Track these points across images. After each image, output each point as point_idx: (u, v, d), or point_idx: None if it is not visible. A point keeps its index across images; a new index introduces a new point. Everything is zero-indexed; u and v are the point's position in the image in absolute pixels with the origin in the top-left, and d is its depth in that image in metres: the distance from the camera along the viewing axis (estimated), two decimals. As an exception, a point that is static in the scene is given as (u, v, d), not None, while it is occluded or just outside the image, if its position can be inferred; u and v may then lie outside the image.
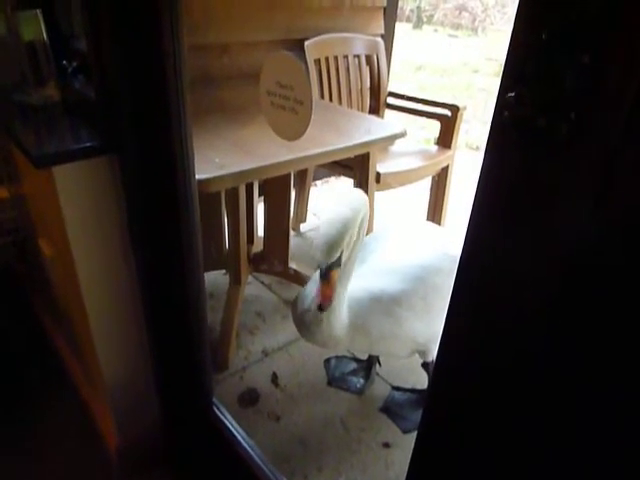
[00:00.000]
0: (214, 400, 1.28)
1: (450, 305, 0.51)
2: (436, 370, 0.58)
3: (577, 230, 0.35)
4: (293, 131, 0.77)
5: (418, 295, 1.25)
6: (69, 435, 1.49)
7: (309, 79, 0.69)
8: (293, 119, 0.74)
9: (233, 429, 1.20)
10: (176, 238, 1.01)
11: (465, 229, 0.45)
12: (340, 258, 1.03)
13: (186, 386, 1.30)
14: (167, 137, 0.90)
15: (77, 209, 0.97)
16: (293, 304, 1.22)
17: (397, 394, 1.66)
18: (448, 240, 1.44)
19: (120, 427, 1.34)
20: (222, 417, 1.24)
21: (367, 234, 1.21)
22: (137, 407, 1.33)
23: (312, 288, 1.14)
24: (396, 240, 1.37)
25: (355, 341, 1.24)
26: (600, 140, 0.33)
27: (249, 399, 1.63)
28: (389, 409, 1.61)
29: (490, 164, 0.39)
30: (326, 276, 1.03)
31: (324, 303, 1.04)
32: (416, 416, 1.56)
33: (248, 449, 1.17)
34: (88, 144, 0.92)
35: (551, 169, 0.34)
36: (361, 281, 1.23)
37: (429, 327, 1.28)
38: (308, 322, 1.15)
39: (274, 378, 1.70)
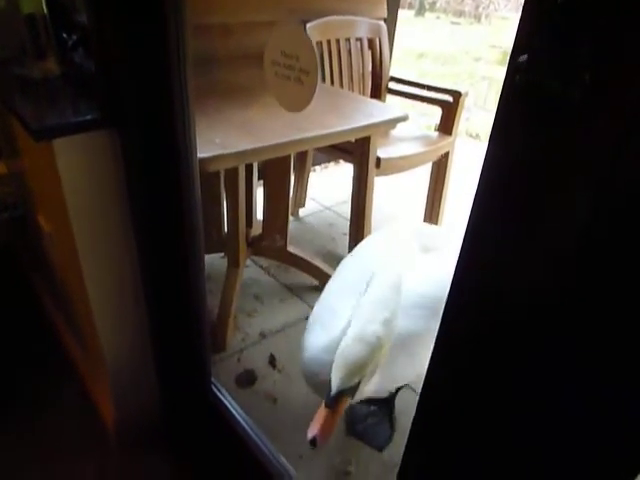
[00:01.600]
0: (212, 380, 1.28)
1: (451, 290, 0.51)
2: (433, 363, 0.58)
3: (592, 197, 0.34)
4: (298, 101, 0.76)
5: (433, 329, 1.13)
6: (68, 414, 1.50)
7: (314, 48, 0.68)
8: (298, 89, 0.73)
9: (232, 408, 1.21)
10: (177, 215, 1.01)
11: (471, 201, 0.45)
12: (359, 384, 0.87)
13: (185, 365, 1.31)
14: (169, 112, 0.89)
15: (77, 184, 0.97)
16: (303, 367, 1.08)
17: (355, 410, 1.51)
18: (446, 244, 1.34)
19: (119, 406, 1.34)
20: (221, 396, 1.25)
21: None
22: (136, 386, 1.33)
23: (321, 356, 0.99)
24: (394, 259, 1.16)
25: (380, 390, 1.11)
26: (616, 104, 0.32)
27: (247, 380, 1.64)
28: (355, 429, 1.47)
29: (500, 131, 0.39)
30: (334, 403, 0.85)
31: (320, 438, 0.84)
32: (385, 428, 1.47)
33: (246, 428, 1.18)
34: (88, 117, 0.91)
35: (564, 135, 0.34)
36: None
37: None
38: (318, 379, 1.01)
39: (272, 360, 1.71)
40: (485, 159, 0.41)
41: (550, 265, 0.40)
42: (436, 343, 0.56)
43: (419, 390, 0.63)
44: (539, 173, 0.38)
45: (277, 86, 0.80)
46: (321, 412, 0.85)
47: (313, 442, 0.84)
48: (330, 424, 0.84)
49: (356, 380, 0.85)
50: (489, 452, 0.55)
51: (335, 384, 0.85)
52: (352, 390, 0.87)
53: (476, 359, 0.52)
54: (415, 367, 1.10)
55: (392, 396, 1.51)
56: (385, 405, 1.52)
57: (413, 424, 0.64)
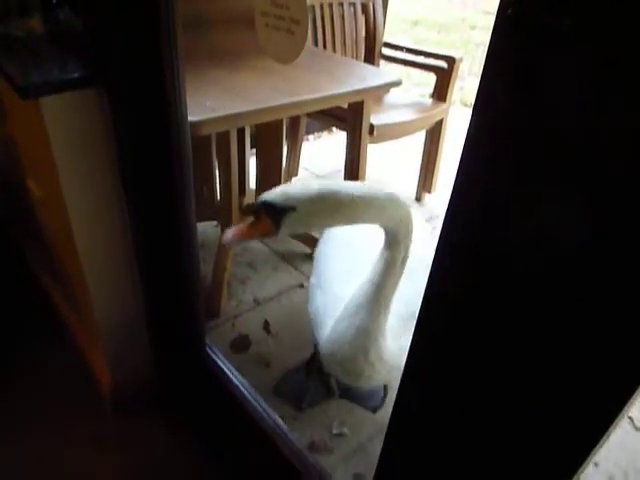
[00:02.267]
0: (207, 342, 1.29)
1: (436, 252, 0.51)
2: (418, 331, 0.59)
3: (580, 130, 0.34)
4: (289, 52, 0.75)
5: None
6: (64, 380, 1.51)
7: (305, -4, 0.66)
8: (289, 40, 0.72)
9: (226, 370, 1.23)
10: (168, 176, 1.00)
11: (462, 144, 0.45)
12: (287, 212, 0.83)
13: (179, 328, 1.32)
14: (158, 71, 0.87)
15: (66, 144, 0.95)
16: (320, 353, 1.09)
17: None
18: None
19: (114, 371, 1.36)
20: (215, 358, 1.26)
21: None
22: (131, 351, 1.34)
23: (343, 328, 1.01)
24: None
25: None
26: (601, 37, 0.32)
27: (241, 345, 1.66)
28: (349, 393, 1.50)
29: (492, 67, 0.38)
30: (256, 210, 0.85)
31: (229, 240, 0.88)
32: (378, 391, 1.49)
33: (242, 389, 1.19)
34: (76, 75, 0.89)
35: (553, 67, 0.34)
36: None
37: None
38: (359, 370, 1.02)
39: (266, 325, 1.73)
40: (476, 98, 0.41)
41: (538, 228, 0.41)
42: (421, 305, 0.56)
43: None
44: (529, 110, 0.38)
45: (268, 37, 0.78)
46: (244, 222, 0.87)
47: (225, 235, 0.88)
48: (244, 232, 0.86)
49: (287, 203, 0.82)
50: (473, 417, 0.56)
51: (266, 195, 0.84)
52: (278, 211, 0.83)
53: (459, 322, 0.53)
54: None
55: None
56: None
57: (399, 387, 0.65)
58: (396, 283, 0.98)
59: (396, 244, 0.93)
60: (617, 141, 0.33)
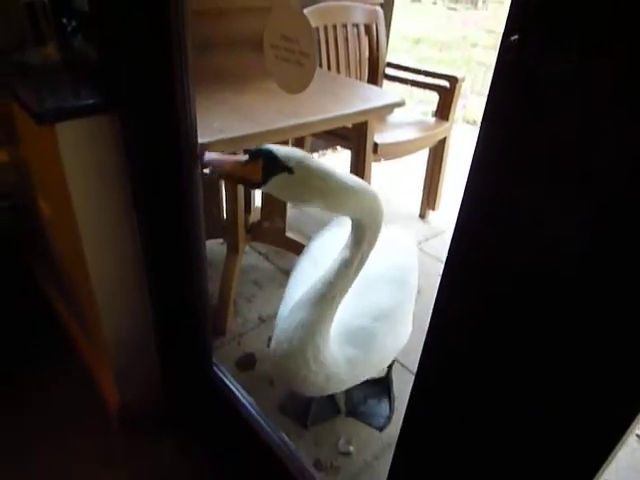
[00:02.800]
0: (214, 361, 1.31)
1: (447, 267, 0.53)
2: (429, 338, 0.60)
3: (579, 176, 0.36)
4: (298, 83, 0.78)
5: (407, 302, 1.19)
6: (71, 397, 1.52)
7: (313, 31, 0.69)
8: (298, 71, 0.74)
9: (233, 388, 1.24)
10: (179, 199, 1.02)
11: (467, 174, 0.47)
12: (282, 170, 0.82)
13: (187, 346, 1.33)
14: (170, 96, 0.90)
15: (79, 168, 0.98)
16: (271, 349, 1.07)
17: (355, 392, 1.51)
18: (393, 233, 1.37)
19: (121, 388, 1.37)
20: (223, 377, 1.27)
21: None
22: (138, 368, 1.36)
23: (287, 323, 1.00)
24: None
25: (358, 375, 1.11)
26: (601, 84, 0.34)
27: (247, 363, 1.67)
28: (355, 411, 1.49)
29: (492, 111, 0.40)
30: (255, 158, 0.83)
31: (213, 163, 0.87)
32: (384, 409, 1.50)
33: (248, 407, 1.20)
34: (90, 101, 0.92)
35: (553, 114, 0.36)
36: (345, 307, 1.04)
37: (409, 326, 1.23)
38: (293, 367, 0.99)
39: (270, 343, 1.73)
40: (478, 139, 0.43)
41: (542, 246, 0.42)
42: (430, 322, 0.58)
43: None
44: (529, 152, 0.40)
45: (277, 69, 0.81)
46: (235, 160, 0.85)
47: (205, 168, 0.88)
48: (231, 163, 0.86)
49: (289, 163, 0.82)
50: (483, 434, 0.57)
51: (271, 145, 0.84)
52: (275, 165, 0.82)
53: (470, 337, 0.54)
54: (396, 341, 1.15)
55: (386, 374, 1.54)
56: (382, 385, 1.55)
57: (408, 405, 0.66)
58: (347, 285, 0.97)
59: (358, 244, 0.94)
60: (618, 163, 0.35)
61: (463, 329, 0.54)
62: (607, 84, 0.34)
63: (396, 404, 1.51)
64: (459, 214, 0.48)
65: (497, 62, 0.39)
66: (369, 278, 1.08)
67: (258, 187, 0.86)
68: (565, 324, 0.43)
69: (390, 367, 1.51)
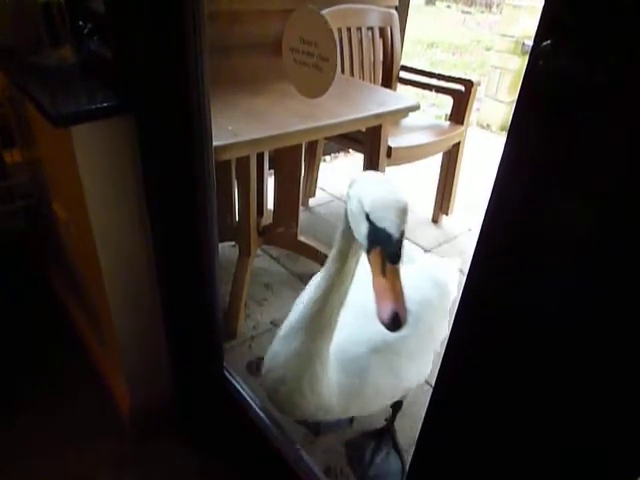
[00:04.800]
0: (225, 365, 1.30)
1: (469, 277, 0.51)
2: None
3: (613, 182, 0.35)
4: (316, 88, 0.76)
5: (416, 337, 1.07)
6: (83, 400, 1.52)
7: (334, 35, 0.67)
8: (317, 76, 0.73)
9: (244, 393, 1.23)
10: (192, 202, 1.02)
11: (491, 189, 0.45)
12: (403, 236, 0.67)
13: (198, 350, 1.33)
14: (186, 99, 0.90)
15: (94, 171, 0.98)
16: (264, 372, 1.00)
17: (360, 452, 1.40)
18: (422, 256, 1.29)
19: (133, 392, 1.36)
20: (233, 381, 1.26)
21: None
22: (150, 371, 1.35)
23: (282, 347, 0.93)
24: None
25: (350, 406, 1.02)
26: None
27: (257, 367, 1.65)
28: (365, 475, 1.37)
29: (522, 119, 0.39)
30: (393, 260, 0.66)
31: (401, 310, 0.65)
32: (394, 464, 1.38)
33: (259, 412, 1.19)
34: (105, 104, 0.92)
35: (592, 119, 0.34)
36: (346, 329, 0.98)
37: (420, 368, 1.12)
38: (287, 393, 0.93)
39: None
40: (504, 151, 0.41)
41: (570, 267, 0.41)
42: (448, 341, 0.56)
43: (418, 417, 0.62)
44: (564, 161, 0.38)
45: (296, 72, 0.80)
46: (383, 283, 0.65)
47: (396, 320, 0.64)
48: (399, 289, 0.65)
49: (404, 226, 0.67)
50: (495, 457, 0.55)
51: (395, 226, 0.66)
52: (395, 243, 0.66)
53: (485, 362, 0.52)
54: (396, 379, 1.05)
55: (389, 423, 1.44)
56: (385, 436, 1.44)
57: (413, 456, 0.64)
58: (339, 301, 0.87)
59: (351, 257, 0.84)
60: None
61: (479, 357, 0.52)
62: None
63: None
64: (481, 231, 0.47)
65: (527, 68, 0.37)
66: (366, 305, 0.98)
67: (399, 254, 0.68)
68: (591, 345, 0.41)
69: (394, 415, 1.41)
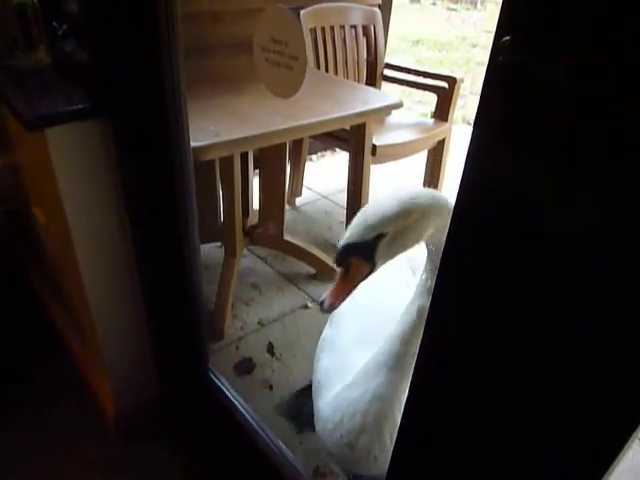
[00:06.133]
0: (210, 366, 1.29)
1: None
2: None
3: (575, 183, 0.35)
4: (287, 88, 0.76)
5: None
6: (67, 404, 1.51)
7: (303, 34, 0.67)
8: (288, 75, 0.73)
9: (229, 394, 1.22)
10: (171, 204, 1.01)
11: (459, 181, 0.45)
12: (378, 240, 0.72)
13: (182, 353, 1.32)
14: (161, 100, 0.89)
15: (70, 173, 0.97)
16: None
17: None
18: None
19: (117, 395, 1.35)
20: (218, 383, 1.26)
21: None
22: (134, 375, 1.34)
23: (358, 391, 0.84)
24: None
25: None
26: (599, 84, 0.33)
27: (245, 368, 1.65)
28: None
29: (485, 113, 0.39)
30: (340, 259, 0.74)
31: (331, 302, 0.77)
32: None
33: (245, 414, 1.19)
34: (80, 106, 0.91)
35: (547, 116, 0.34)
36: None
37: None
38: (366, 445, 0.83)
39: (270, 348, 1.72)
40: (470, 143, 0.41)
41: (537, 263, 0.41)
42: (427, 320, 0.56)
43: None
44: (522, 158, 0.38)
45: (267, 72, 0.80)
46: (337, 279, 0.75)
47: (321, 304, 0.77)
48: (340, 289, 0.75)
49: (372, 234, 0.71)
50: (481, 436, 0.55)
51: (344, 239, 0.72)
52: (366, 247, 0.71)
53: (468, 336, 0.52)
54: None
55: None
56: None
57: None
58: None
59: (429, 281, 0.80)
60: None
61: (460, 325, 0.53)
62: (603, 84, 0.33)
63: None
64: (451, 226, 0.47)
65: (489, 64, 0.37)
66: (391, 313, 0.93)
67: (376, 269, 0.76)
68: (568, 322, 0.41)
69: None
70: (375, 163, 2.01)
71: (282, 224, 1.97)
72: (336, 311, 1.11)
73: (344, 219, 2.21)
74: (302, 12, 2.04)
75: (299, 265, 2.09)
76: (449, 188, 2.45)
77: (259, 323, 1.84)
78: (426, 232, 0.76)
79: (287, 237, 2.03)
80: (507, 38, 0.35)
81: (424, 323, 0.74)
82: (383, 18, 2.40)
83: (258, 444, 1.17)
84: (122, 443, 1.40)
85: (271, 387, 1.58)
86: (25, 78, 1.04)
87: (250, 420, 1.19)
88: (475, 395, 0.52)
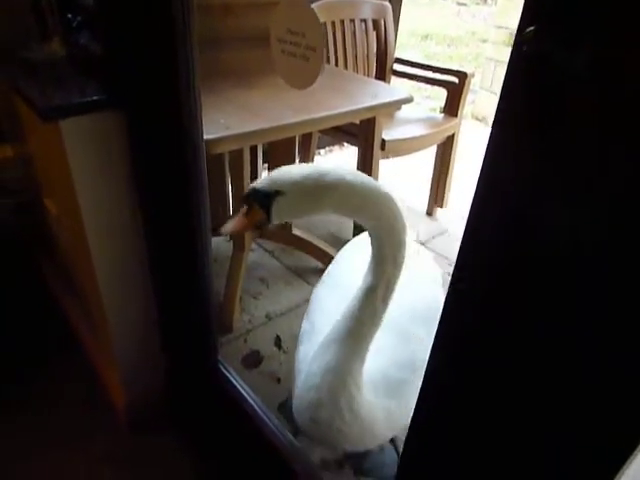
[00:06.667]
0: (219, 358, 1.30)
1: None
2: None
3: (591, 166, 0.35)
4: (304, 79, 0.76)
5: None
6: (77, 397, 1.52)
7: (320, 24, 0.67)
8: (304, 66, 0.73)
9: (238, 386, 1.23)
10: (184, 196, 1.01)
11: (478, 174, 0.45)
12: (274, 197, 0.78)
13: (192, 345, 1.33)
14: (175, 93, 0.89)
15: (85, 165, 0.97)
16: (289, 406, 0.98)
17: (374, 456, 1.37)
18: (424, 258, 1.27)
19: (127, 387, 1.36)
20: (228, 375, 1.26)
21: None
22: (144, 366, 1.35)
23: (316, 365, 0.89)
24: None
25: (394, 428, 0.99)
26: (617, 74, 0.33)
27: (252, 361, 1.66)
28: (360, 468, 1.36)
29: (507, 102, 0.39)
30: (244, 200, 0.82)
31: (228, 229, 0.84)
32: (389, 455, 1.35)
33: (254, 405, 1.19)
34: (95, 98, 0.91)
35: (570, 104, 0.34)
36: (387, 352, 0.96)
37: None
38: (327, 419, 0.88)
39: (277, 341, 1.73)
40: (491, 134, 0.41)
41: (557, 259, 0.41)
42: (438, 329, 0.56)
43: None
44: (545, 146, 0.38)
45: (283, 63, 0.79)
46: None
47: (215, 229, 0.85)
48: (239, 223, 0.82)
49: (273, 187, 0.78)
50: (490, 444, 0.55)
51: (255, 182, 0.81)
52: (266, 197, 0.79)
53: (483, 347, 0.52)
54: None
55: None
56: None
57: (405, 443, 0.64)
58: (376, 318, 0.87)
59: (381, 265, 0.84)
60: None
61: (474, 336, 0.53)
62: (626, 75, 0.33)
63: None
64: (466, 228, 0.47)
65: (512, 55, 0.37)
66: (403, 320, 0.99)
67: (270, 223, 0.82)
68: (584, 332, 0.42)
69: None
70: (384, 158, 2.00)
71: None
72: (315, 297, 1.17)
73: (352, 214, 2.21)
74: (312, 6, 2.03)
75: (307, 259, 2.10)
76: (458, 182, 2.45)
77: (267, 317, 1.85)
78: (326, 208, 0.82)
79: (295, 231, 2.03)
80: (531, 28, 0.35)
81: (371, 301, 0.85)
82: (393, 12, 2.39)
83: (267, 436, 1.17)
84: (131, 435, 1.42)
85: (279, 380, 1.59)
86: (39, 70, 1.04)
87: (259, 412, 1.20)
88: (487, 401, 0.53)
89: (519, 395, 0.49)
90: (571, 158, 0.36)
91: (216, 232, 1.95)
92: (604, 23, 0.33)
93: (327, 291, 1.16)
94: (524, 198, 0.41)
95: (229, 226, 0.84)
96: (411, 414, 0.96)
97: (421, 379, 0.93)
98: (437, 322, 0.94)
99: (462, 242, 0.49)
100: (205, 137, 1.06)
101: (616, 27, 0.32)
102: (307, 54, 0.71)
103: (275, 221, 0.82)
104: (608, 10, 0.32)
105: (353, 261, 1.15)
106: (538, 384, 0.47)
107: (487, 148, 0.40)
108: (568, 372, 0.44)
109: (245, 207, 0.82)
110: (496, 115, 0.39)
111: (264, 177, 0.81)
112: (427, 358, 0.92)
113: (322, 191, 0.79)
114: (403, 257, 0.84)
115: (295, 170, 0.80)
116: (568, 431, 0.46)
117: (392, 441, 1.40)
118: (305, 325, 1.13)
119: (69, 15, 1.07)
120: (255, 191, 0.80)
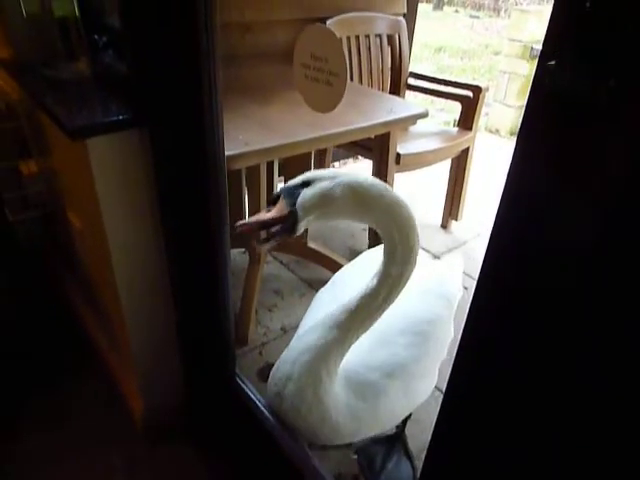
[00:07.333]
0: (237, 371, 1.31)
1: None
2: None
3: (614, 200, 0.36)
4: (327, 103, 0.78)
5: (428, 357, 1.06)
6: (97, 406, 1.54)
7: (343, 51, 0.69)
8: (327, 91, 0.75)
9: (255, 399, 1.24)
10: (205, 212, 1.04)
11: (498, 203, 0.46)
12: (300, 190, 0.83)
13: (210, 356, 1.34)
14: (199, 112, 0.92)
15: (109, 181, 1.00)
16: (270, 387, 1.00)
17: (372, 457, 1.40)
18: (434, 270, 1.27)
19: (146, 397, 1.38)
20: (244, 387, 1.27)
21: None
22: (162, 377, 1.37)
23: (297, 344, 0.93)
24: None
25: (361, 429, 1.01)
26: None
27: (268, 374, 1.66)
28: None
29: (528, 133, 0.40)
30: (273, 203, 0.84)
31: (242, 227, 0.84)
32: (405, 470, 1.38)
33: (271, 418, 1.20)
34: (121, 117, 0.94)
35: (591, 138, 0.36)
36: (361, 353, 0.98)
37: (431, 382, 1.11)
38: (291, 395, 0.91)
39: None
40: (512, 163, 0.42)
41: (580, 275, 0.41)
42: (460, 342, 0.57)
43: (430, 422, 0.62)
44: (565, 175, 0.39)
45: (307, 88, 0.82)
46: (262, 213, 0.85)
47: (237, 227, 0.85)
48: (256, 219, 0.84)
49: (302, 179, 0.83)
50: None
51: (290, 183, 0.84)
52: (294, 191, 0.83)
53: (509, 362, 0.53)
54: (410, 399, 1.04)
55: (400, 430, 1.43)
56: (396, 442, 1.42)
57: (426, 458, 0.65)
58: (369, 317, 0.90)
59: (387, 269, 0.87)
60: None
61: (498, 349, 0.53)
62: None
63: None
64: (491, 236, 0.48)
65: (533, 83, 0.38)
66: (387, 327, 1.01)
67: (295, 224, 0.83)
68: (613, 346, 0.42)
69: (405, 422, 1.40)
70: (399, 171, 2.02)
71: (306, 231, 1.99)
72: (312, 304, 1.18)
73: (366, 226, 2.22)
74: (328, 22, 2.07)
75: (321, 272, 2.11)
76: (472, 195, 2.45)
77: (282, 329, 1.86)
78: (346, 208, 0.84)
79: (310, 244, 2.05)
80: (552, 63, 0.36)
81: (369, 302, 0.88)
82: (408, 27, 2.42)
83: (283, 449, 1.18)
84: (149, 444, 1.43)
85: (294, 393, 1.59)
86: (66, 89, 1.08)
87: (276, 425, 1.20)
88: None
89: (544, 413, 0.49)
90: (596, 195, 0.37)
91: (233, 244, 1.97)
92: (621, 60, 0.34)
93: (329, 294, 1.17)
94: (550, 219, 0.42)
95: (245, 225, 0.84)
96: (384, 424, 1.01)
97: (395, 389, 0.98)
98: (423, 337, 1.02)
99: (484, 259, 0.50)
100: (225, 153, 1.08)
101: (633, 64, 0.34)
102: (330, 79, 0.73)
103: (299, 212, 0.83)
104: (625, 48, 0.34)
105: (360, 270, 1.16)
106: (563, 400, 0.48)
107: (508, 175, 0.41)
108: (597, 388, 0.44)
109: (269, 207, 0.84)
110: (518, 138, 0.40)
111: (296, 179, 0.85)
112: (405, 368, 0.97)
113: (343, 190, 0.82)
114: (410, 268, 0.87)
115: (324, 171, 0.85)
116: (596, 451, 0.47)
117: (408, 456, 1.40)
118: (301, 324, 1.14)
119: (95, 36, 1.11)
120: (285, 187, 0.84)
